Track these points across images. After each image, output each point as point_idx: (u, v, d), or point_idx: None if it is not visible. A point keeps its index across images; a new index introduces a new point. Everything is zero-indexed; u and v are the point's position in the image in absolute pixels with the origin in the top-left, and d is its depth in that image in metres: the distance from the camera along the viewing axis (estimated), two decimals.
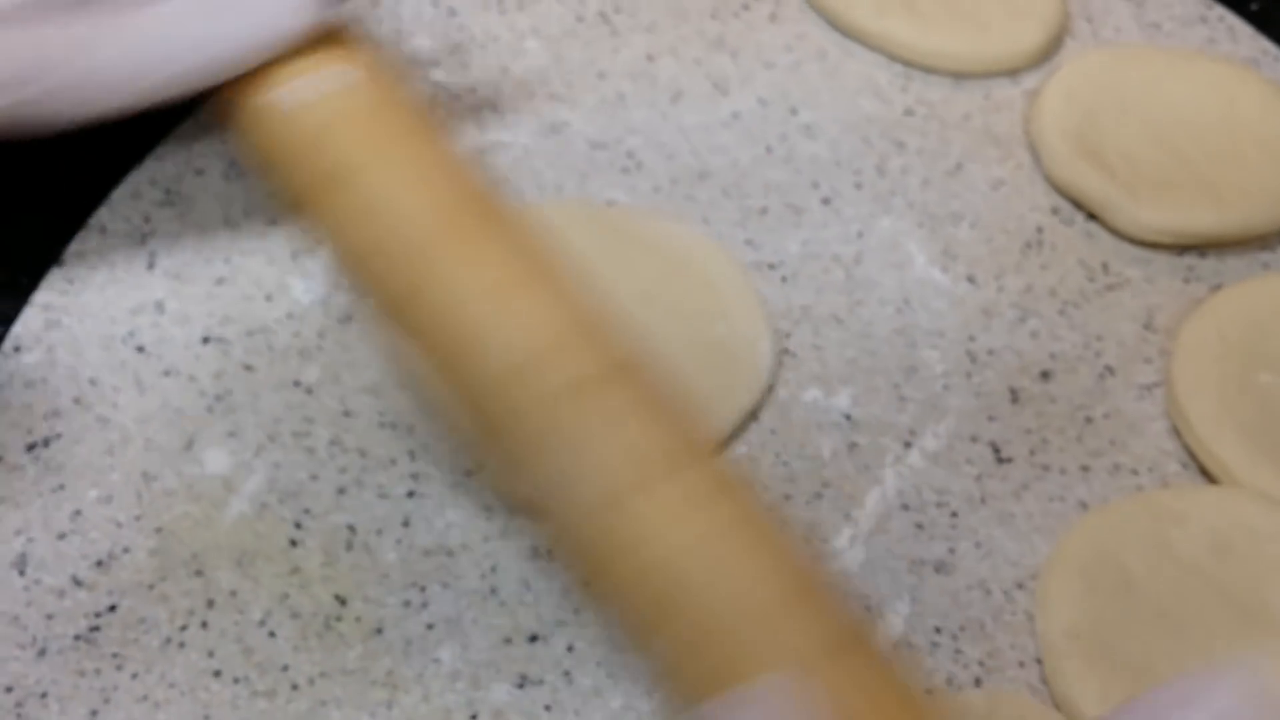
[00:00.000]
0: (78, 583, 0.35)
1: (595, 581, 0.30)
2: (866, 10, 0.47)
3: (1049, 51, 0.47)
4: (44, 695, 0.33)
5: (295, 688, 0.33)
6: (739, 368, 0.38)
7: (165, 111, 0.44)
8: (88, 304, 0.40)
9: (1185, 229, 0.41)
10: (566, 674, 0.34)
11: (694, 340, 0.38)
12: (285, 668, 0.33)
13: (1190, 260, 0.42)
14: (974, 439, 0.38)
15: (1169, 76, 0.45)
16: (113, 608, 0.34)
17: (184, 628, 0.34)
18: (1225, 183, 0.42)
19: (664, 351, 0.35)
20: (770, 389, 0.38)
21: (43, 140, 0.45)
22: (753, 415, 0.38)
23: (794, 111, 0.45)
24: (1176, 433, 0.38)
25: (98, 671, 0.33)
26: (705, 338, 0.38)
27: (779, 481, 0.37)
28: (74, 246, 0.41)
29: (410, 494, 0.36)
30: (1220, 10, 0.49)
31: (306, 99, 0.34)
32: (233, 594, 0.34)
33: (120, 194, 0.42)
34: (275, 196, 0.42)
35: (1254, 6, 0.49)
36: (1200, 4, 0.49)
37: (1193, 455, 0.38)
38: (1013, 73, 0.46)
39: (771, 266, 0.41)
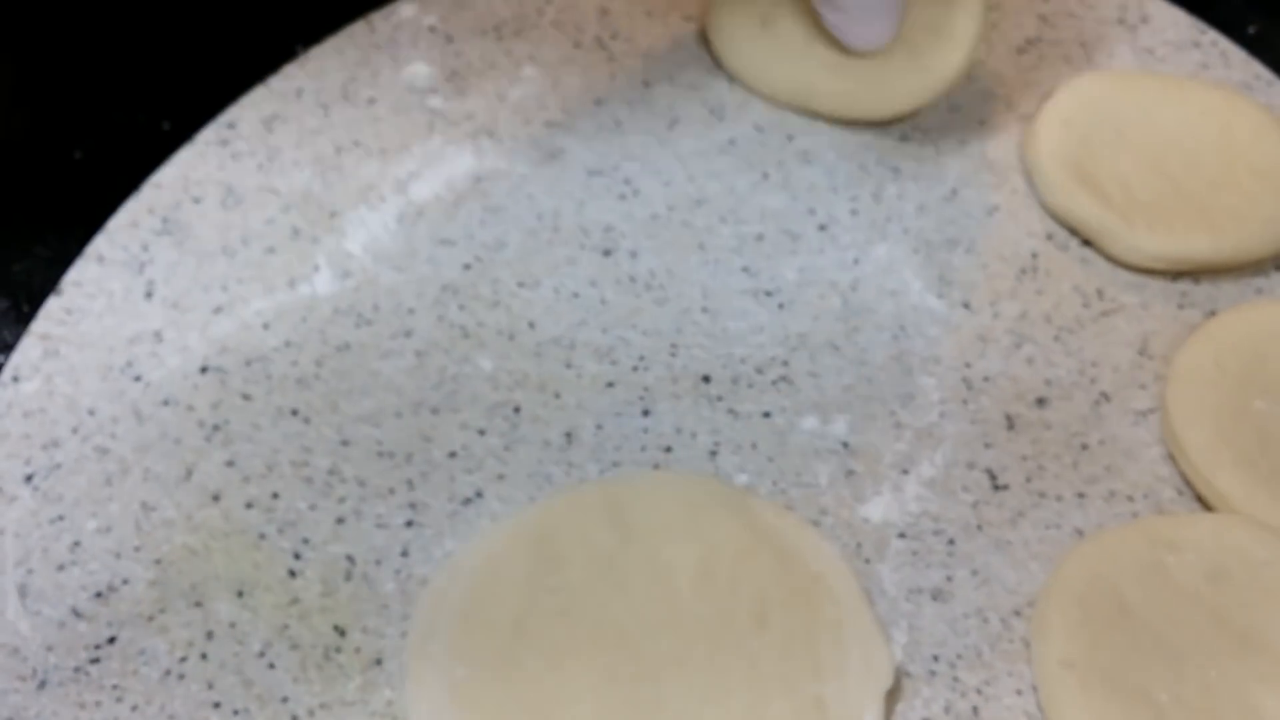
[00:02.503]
0: (77, 614, 0.35)
1: None
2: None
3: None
4: None
5: (295, 719, 0.33)
6: None
7: (164, 136, 0.45)
8: (86, 333, 0.40)
9: (1180, 255, 0.42)
10: None
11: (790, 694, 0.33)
12: (285, 699, 0.33)
13: (1184, 286, 0.42)
14: (970, 466, 0.38)
15: (1163, 103, 0.45)
16: (112, 639, 0.34)
17: (184, 659, 0.34)
18: (1219, 209, 0.42)
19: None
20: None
21: (40, 168, 0.45)
22: (752, 446, 0.38)
23: (790, 138, 0.46)
24: (1172, 459, 0.38)
25: (98, 704, 0.33)
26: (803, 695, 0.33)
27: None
28: (72, 275, 0.41)
29: (408, 524, 0.36)
30: (1214, 35, 0.49)
31: None
32: (232, 625, 0.35)
33: (118, 222, 0.42)
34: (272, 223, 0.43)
35: (1251, 30, 0.50)
36: (1194, 29, 0.50)
37: (1188, 482, 0.38)
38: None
39: (769, 293, 0.42)
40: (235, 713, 0.33)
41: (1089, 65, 0.48)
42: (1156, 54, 0.49)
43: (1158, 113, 0.45)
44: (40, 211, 0.43)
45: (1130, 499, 0.38)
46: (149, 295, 0.41)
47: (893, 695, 0.34)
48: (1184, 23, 0.50)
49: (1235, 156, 0.44)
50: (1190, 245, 0.42)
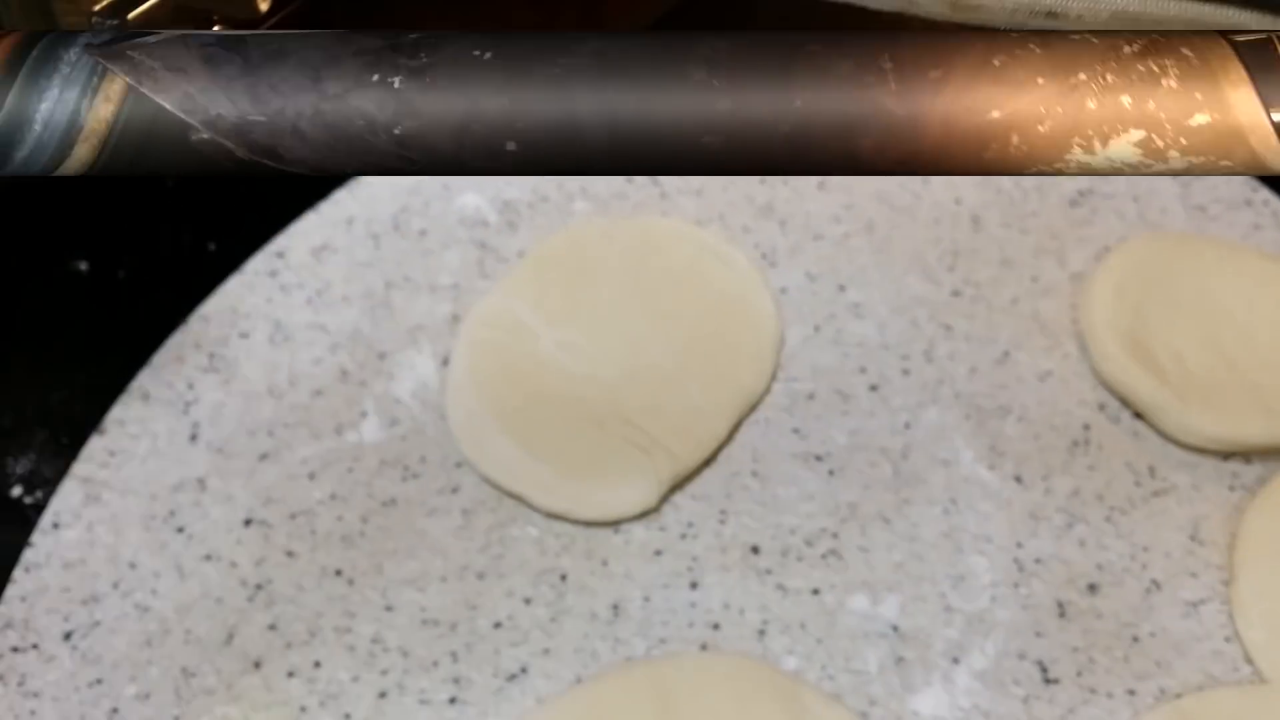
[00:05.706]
0: None
1: None
2: None
3: None
4: None
5: None
6: None
7: (210, 257, 0.44)
8: (129, 479, 0.39)
9: (1233, 439, 0.41)
10: None
11: None
12: None
13: (1235, 466, 0.42)
14: (1021, 656, 0.38)
15: (1218, 272, 0.45)
16: None
17: None
18: (1273, 390, 0.42)
19: None
20: None
21: (86, 294, 0.44)
22: (801, 626, 0.38)
23: (842, 289, 0.45)
24: (1237, 636, 0.38)
25: None
26: None
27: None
28: (115, 413, 0.40)
29: (452, 700, 0.36)
30: (1265, 194, 0.49)
31: None
32: None
33: (163, 357, 0.42)
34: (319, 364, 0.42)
35: None
36: (1245, 187, 0.49)
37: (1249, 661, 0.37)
38: None
39: (819, 458, 0.41)
40: None
41: (1141, 221, 0.48)
42: (1209, 212, 0.49)
43: (1213, 282, 0.45)
44: (81, 335, 0.43)
45: (1178, 696, 0.37)
46: (194, 438, 0.40)
47: None
48: (1236, 180, 0.50)
49: None
50: (1243, 429, 0.41)
